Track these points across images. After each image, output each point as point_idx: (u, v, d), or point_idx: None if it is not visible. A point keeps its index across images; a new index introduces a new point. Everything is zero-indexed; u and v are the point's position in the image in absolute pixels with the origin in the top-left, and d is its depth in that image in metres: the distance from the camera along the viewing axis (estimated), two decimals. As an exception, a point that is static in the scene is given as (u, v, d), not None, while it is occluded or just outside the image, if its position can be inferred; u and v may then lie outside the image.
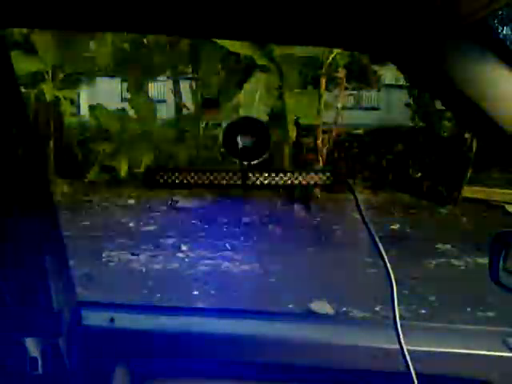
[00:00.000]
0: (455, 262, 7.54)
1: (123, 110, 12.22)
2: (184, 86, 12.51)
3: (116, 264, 7.24)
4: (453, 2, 0.94)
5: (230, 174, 1.27)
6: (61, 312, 1.57)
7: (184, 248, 7.85)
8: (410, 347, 1.38)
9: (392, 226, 9.11)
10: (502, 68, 0.99)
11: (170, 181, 1.29)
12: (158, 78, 13.29)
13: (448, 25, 0.97)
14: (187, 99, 12.52)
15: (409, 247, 7.75)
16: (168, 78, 12.96)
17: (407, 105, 12.61)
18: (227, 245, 7.91)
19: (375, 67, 12.43)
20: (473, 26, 0.97)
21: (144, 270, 7.08)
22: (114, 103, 12.78)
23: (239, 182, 1.29)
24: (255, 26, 1.09)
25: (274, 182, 1.31)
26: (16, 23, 1.24)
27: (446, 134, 12.04)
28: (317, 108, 11.11)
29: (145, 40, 11.45)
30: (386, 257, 1.32)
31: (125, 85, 13.37)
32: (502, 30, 10.67)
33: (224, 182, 1.28)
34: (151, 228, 8.97)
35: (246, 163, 1.29)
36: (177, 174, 1.27)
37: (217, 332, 1.69)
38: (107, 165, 11.57)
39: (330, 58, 10.81)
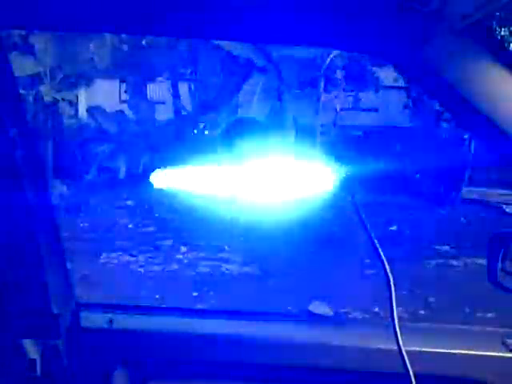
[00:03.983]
0: (454, 262, 7.54)
1: (122, 111, 12.22)
2: (183, 87, 12.51)
3: (115, 265, 7.23)
4: (451, 2, 0.95)
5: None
6: (59, 314, 1.57)
7: (183, 249, 7.84)
8: (408, 348, 1.39)
9: (390, 228, 9.10)
10: (499, 69, 0.99)
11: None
12: (157, 80, 13.28)
13: (446, 26, 0.98)
14: (186, 101, 12.52)
15: (407, 248, 7.75)
16: (166, 79, 12.96)
17: (406, 106, 12.62)
18: (226, 246, 7.91)
19: (374, 68, 12.44)
20: (471, 27, 0.98)
21: (143, 271, 7.07)
22: (112, 104, 12.77)
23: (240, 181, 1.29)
24: (254, 27, 1.09)
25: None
26: (14, 25, 1.24)
27: (444, 134, 12.06)
28: (316, 109, 11.12)
29: (143, 41, 11.44)
30: (384, 258, 1.32)
31: (123, 86, 13.37)
32: (500, 32, 10.67)
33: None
34: (150, 229, 8.96)
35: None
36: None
37: (216, 333, 1.69)
38: (106, 166, 11.56)
39: (329, 60, 10.82)
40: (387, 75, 12.51)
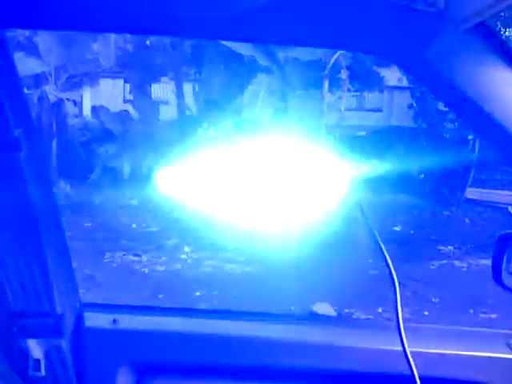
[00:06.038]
0: (458, 263, 7.52)
1: (126, 111, 12.24)
2: (187, 87, 12.52)
3: (118, 265, 7.25)
4: (456, 3, 0.94)
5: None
6: (63, 314, 1.57)
7: (187, 249, 7.85)
8: (412, 349, 1.38)
9: (394, 228, 9.09)
10: (504, 70, 0.99)
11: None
12: (161, 80, 13.30)
13: (451, 26, 0.97)
14: (190, 101, 12.53)
15: (411, 249, 7.74)
16: (171, 79, 12.98)
17: (410, 106, 12.61)
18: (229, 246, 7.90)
19: (378, 69, 12.43)
20: (476, 28, 0.97)
21: (146, 271, 7.08)
22: (116, 104, 12.80)
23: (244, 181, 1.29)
24: (258, 27, 1.09)
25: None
26: (18, 24, 1.24)
27: (448, 135, 12.03)
28: (320, 109, 11.11)
29: (148, 42, 11.46)
30: (388, 258, 1.32)
31: (128, 86, 13.39)
32: (505, 32, 10.65)
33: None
34: (154, 229, 8.97)
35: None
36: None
37: (219, 333, 1.69)
38: (110, 165, 11.58)
39: (333, 60, 10.81)
40: (391, 75, 12.51)
